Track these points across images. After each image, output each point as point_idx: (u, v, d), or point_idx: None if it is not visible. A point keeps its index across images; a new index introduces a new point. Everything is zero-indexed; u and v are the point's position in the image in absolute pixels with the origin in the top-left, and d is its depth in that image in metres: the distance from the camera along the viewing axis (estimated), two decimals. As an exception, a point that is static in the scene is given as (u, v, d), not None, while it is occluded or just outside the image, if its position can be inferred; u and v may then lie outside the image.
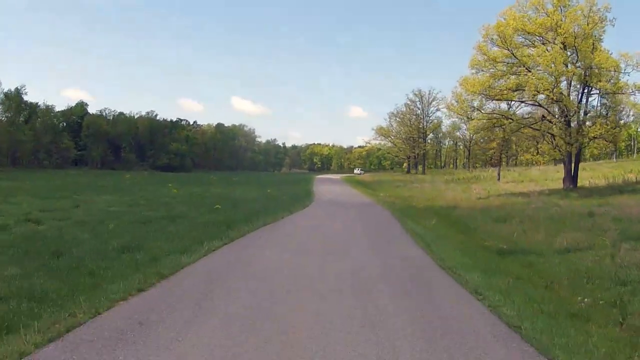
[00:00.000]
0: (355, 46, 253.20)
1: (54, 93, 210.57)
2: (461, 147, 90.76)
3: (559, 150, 27.91)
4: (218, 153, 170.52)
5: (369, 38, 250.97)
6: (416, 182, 51.18)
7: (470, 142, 77.39)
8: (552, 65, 26.18)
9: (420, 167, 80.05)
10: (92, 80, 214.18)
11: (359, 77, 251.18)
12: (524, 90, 28.09)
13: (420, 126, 78.31)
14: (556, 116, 28.57)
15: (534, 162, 42.72)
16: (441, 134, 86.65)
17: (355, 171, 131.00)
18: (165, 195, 28.59)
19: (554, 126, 28.21)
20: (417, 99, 78.32)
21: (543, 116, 29.66)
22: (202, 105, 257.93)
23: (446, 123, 79.63)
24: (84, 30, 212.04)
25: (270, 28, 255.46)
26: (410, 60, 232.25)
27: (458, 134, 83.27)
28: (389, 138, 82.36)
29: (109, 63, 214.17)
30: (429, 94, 77.73)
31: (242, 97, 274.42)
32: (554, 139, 28.21)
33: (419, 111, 78.84)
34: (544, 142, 31.76)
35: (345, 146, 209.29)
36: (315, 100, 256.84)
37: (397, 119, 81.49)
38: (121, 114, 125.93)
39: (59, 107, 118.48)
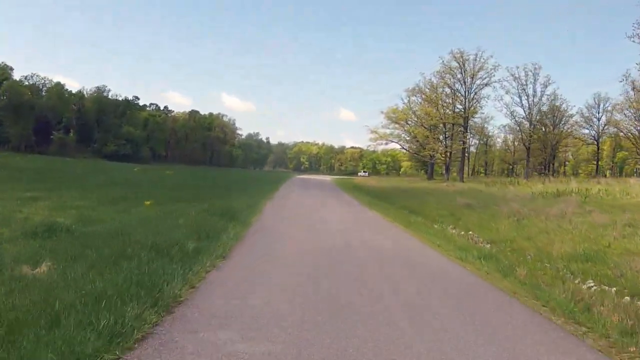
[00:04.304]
0: (347, 49, 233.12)
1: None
2: (511, 142, 65.11)
3: None
4: (189, 144, 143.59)
5: (360, 41, 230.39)
6: (491, 199, 25.87)
7: (531, 137, 51.86)
8: None
9: (450, 172, 54.22)
10: (77, 68, 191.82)
11: (350, 79, 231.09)
12: None
13: (460, 108, 50.61)
14: None
15: None
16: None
17: (360, 174, 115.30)
18: None
19: None
20: (458, 65, 49.34)
21: None
22: (190, 100, 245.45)
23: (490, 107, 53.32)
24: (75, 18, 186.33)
25: (264, 29, 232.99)
26: (402, 65, 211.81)
27: (509, 123, 57.63)
28: (406, 126, 56.00)
29: (96, 53, 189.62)
30: (476, 58, 48.84)
31: (232, 94, 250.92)
32: None
33: (459, 84, 50.15)
34: None
35: (336, 146, 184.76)
36: (305, 101, 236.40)
37: (422, 97, 54.44)
38: (58, 84, 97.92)
39: None
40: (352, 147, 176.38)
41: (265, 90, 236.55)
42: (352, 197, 25.76)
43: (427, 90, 52.32)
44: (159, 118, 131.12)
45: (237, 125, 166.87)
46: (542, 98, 53.19)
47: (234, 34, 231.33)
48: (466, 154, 51.56)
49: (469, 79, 48.18)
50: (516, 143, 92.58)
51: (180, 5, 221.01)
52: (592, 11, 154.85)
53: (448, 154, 51.80)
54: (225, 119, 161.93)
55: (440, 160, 54.98)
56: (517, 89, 52.20)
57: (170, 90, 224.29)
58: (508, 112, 53.80)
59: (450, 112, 50.57)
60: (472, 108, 48.73)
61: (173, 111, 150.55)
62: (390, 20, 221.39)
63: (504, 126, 73.83)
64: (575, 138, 70.92)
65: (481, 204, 22.30)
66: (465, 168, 71.84)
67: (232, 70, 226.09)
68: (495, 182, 40.76)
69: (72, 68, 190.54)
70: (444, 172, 54.92)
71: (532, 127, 52.45)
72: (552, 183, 41.50)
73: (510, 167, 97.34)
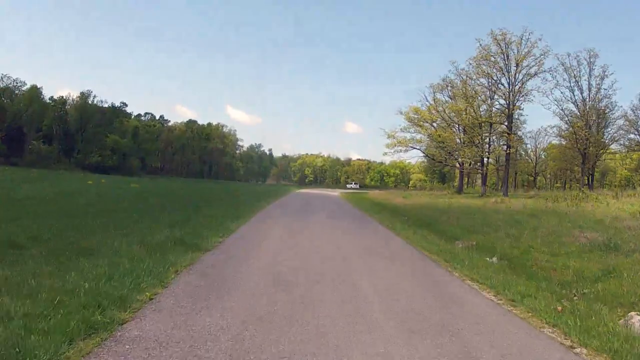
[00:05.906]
0: (353, 61, 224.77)
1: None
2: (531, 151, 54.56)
3: None
4: (186, 155, 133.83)
5: (367, 53, 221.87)
6: (608, 229, 15.32)
7: (587, 140, 40.70)
8: None
9: (483, 183, 43.74)
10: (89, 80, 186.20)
11: (355, 92, 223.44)
12: None
13: (502, 103, 39.64)
14: None
15: None
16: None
17: (348, 186, 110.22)
18: None
19: None
20: (500, 49, 38.28)
21: None
22: (196, 113, 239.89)
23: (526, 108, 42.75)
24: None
25: (267, 40, 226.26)
26: (407, 77, 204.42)
27: (559, 123, 47.04)
28: (431, 129, 44.72)
29: (101, 66, 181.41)
30: (521, 41, 37.77)
31: (237, 108, 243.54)
32: None
33: (500, 74, 38.95)
34: None
35: (342, 158, 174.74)
36: (311, 114, 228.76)
37: (452, 91, 43.51)
38: (33, 87, 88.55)
39: None
40: (359, 159, 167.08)
41: (270, 103, 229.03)
42: (387, 228, 15.39)
43: (458, 82, 41.95)
44: (152, 128, 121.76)
45: (238, 136, 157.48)
46: (599, 93, 42.90)
47: (240, 49, 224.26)
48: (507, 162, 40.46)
49: (513, 67, 37.97)
50: (538, 152, 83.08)
51: (184, 19, 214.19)
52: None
53: (486, 161, 41.48)
54: (225, 129, 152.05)
55: (466, 169, 44.90)
56: (569, 82, 42.02)
57: (177, 103, 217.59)
58: (558, 110, 43.28)
59: (487, 108, 40.24)
60: (518, 103, 38.23)
61: (169, 121, 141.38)
62: (399, 21, 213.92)
63: (552, 127, 63.71)
64: (621, 144, 61.52)
65: (624, 244, 12.09)
66: (488, 179, 61.48)
67: (237, 83, 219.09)
68: (559, 197, 30.46)
69: (71, 79, 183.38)
70: (478, 184, 44.32)
71: (588, 127, 42.11)
72: (626, 197, 31.62)
73: (532, 178, 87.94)
